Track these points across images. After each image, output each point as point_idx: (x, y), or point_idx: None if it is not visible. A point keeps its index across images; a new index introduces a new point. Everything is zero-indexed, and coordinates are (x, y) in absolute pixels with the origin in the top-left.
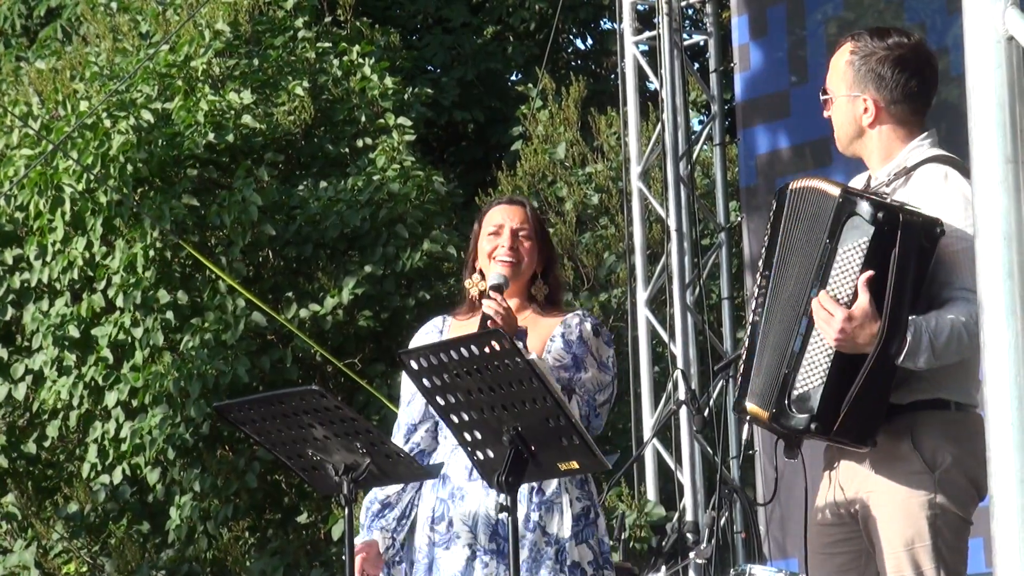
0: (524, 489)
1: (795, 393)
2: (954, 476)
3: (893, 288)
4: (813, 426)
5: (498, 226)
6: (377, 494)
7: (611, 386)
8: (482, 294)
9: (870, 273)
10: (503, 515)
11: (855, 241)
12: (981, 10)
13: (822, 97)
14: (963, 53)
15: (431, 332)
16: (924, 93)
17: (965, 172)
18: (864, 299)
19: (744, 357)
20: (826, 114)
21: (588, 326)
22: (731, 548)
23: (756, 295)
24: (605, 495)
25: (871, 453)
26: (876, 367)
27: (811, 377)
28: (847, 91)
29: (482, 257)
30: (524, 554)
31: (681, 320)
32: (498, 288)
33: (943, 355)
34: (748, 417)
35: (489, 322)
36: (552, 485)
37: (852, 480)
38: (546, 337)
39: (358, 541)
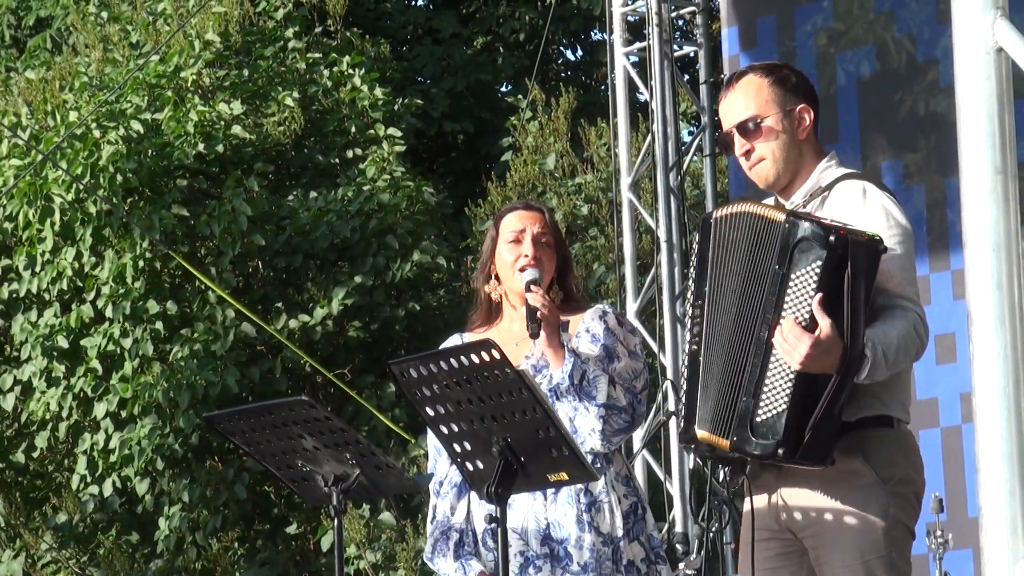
0: (571, 491)
1: (758, 420)
2: (903, 489)
3: (850, 309)
4: (780, 451)
5: (518, 232)
6: (451, 522)
7: (644, 372)
8: (500, 301)
9: (820, 296)
10: (556, 518)
11: (807, 266)
12: (971, 21)
13: (744, 134)
14: (953, 64)
15: None
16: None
17: (880, 186)
18: (826, 324)
19: (685, 388)
20: (744, 150)
21: (612, 317)
22: (721, 559)
23: (691, 325)
24: None
25: (821, 471)
26: (837, 387)
27: (774, 403)
28: (780, 109)
29: (503, 267)
30: (586, 556)
31: (671, 331)
32: (536, 283)
33: (894, 366)
34: (694, 445)
35: (538, 314)
36: (599, 484)
37: (795, 499)
38: (571, 335)
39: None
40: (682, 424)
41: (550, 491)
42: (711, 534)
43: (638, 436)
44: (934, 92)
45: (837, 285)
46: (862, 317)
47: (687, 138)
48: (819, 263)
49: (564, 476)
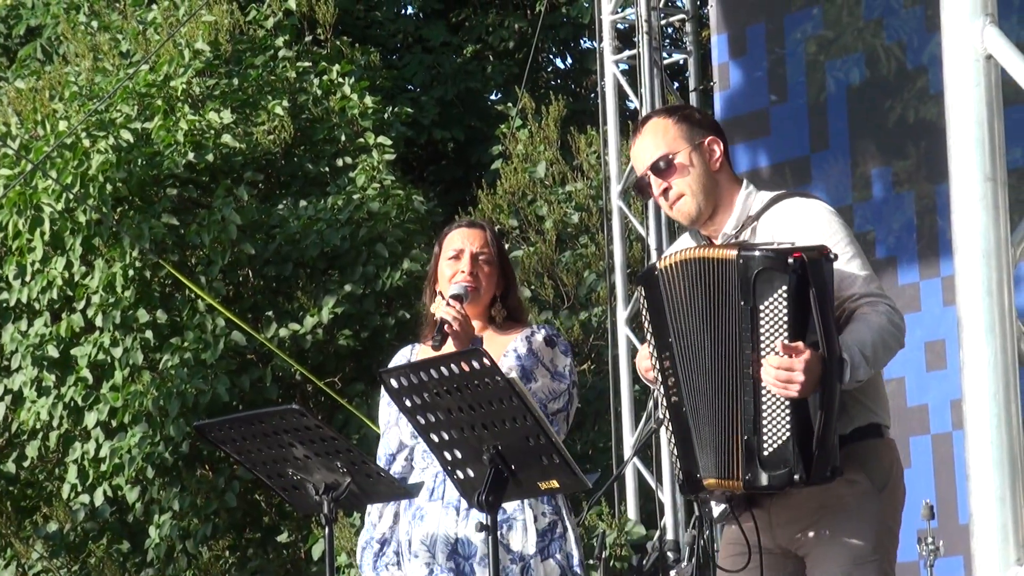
0: None
1: (765, 453)
2: (894, 497)
3: (821, 322)
4: (796, 477)
5: (458, 250)
6: (372, 533)
7: (566, 394)
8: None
9: (788, 325)
10: (466, 534)
11: (773, 294)
12: (960, 29)
13: (659, 174)
14: (942, 71)
15: (401, 360)
16: None
17: (808, 196)
18: (802, 348)
19: (675, 441)
20: (661, 189)
21: (539, 337)
22: (712, 567)
23: (663, 379)
24: (585, 514)
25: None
26: (828, 399)
27: (777, 433)
28: (689, 144)
29: (442, 281)
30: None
31: None
32: (458, 298)
33: (877, 362)
34: (703, 496)
35: (446, 327)
36: (513, 502)
37: (790, 513)
38: (500, 353)
39: None
40: (680, 477)
41: (463, 506)
42: (702, 541)
43: (629, 444)
44: (924, 99)
45: (804, 305)
46: (833, 327)
47: None
48: (784, 288)
49: (554, 484)
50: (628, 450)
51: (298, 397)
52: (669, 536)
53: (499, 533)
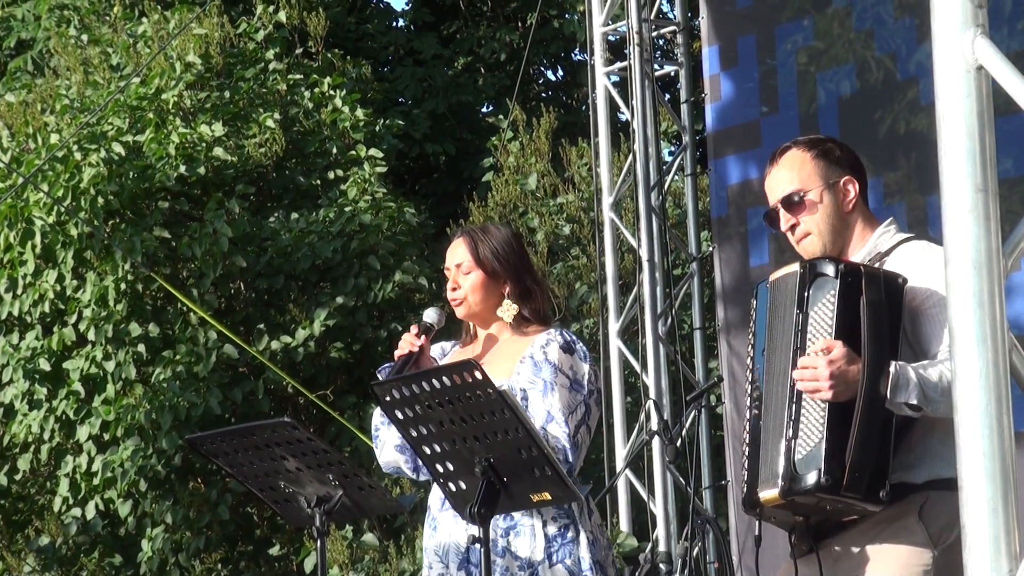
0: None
1: (798, 457)
2: (952, 558)
3: (868, 330)
4: (823, 479)
5: (448, 268)
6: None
7: (582, 405)
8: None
9: (834, 327)
10: (475, 544)
11: (823, 299)
12: (951, 40)
13: (789, 209)
14: (933, 82)
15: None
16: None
17: (938, 244)
18: (836, 343)
19: (748, 452)
20: (789, 225)
21: (556, 346)
22: None
23: (750, 391)
24: None
25: (875, 527)
26: (868, 409)
27: (811, 436)
28: (823, 183)
29: None
30: None
31: (653, 350)
32: (426, 328)
33: (936, 396)
34: (758, 510)
35: (396, 353)
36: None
37: (843, 554)
38: (516, 360)
39: None
40: (744, 490)
41: None
42: (694, 553)
43: (621, 456)
44: (914, 110)
45: (853, 312)
46: (884, 341)
47: (668, 157)
48: (833, 292)
49: (547, 496)
50: (620, 462)
51: (290, 410)
52: (661, 548)
53: (506, 540)
